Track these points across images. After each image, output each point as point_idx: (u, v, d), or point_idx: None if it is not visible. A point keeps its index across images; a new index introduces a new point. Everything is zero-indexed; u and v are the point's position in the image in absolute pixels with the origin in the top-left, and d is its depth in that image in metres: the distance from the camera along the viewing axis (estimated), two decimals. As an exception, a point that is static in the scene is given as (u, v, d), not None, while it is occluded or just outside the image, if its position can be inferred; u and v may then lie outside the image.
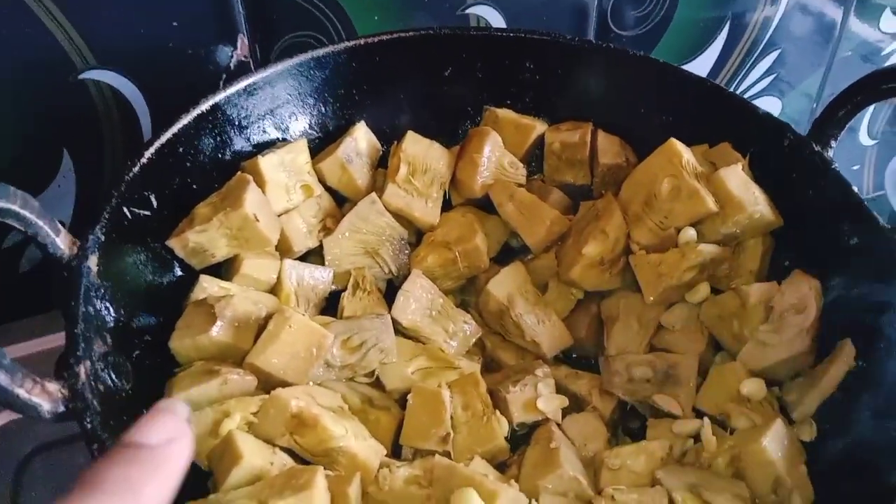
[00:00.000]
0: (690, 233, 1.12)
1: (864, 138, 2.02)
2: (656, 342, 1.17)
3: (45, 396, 0.78)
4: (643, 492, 0.92)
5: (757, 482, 0.92)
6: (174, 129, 1.07)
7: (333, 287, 1.17)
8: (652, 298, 1.13)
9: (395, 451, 1.03)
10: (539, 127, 1.30)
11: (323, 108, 1.26)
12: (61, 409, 0.79)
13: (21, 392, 0.76)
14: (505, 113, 1.31)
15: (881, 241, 1.03)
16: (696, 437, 1.03)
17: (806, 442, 0.99)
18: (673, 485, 0.92)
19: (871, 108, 1.96)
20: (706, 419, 1.02)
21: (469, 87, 1.32)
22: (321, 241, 1.18)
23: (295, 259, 1.15)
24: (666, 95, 1.27)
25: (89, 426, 0.78)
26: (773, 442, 0.92)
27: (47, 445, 1.16)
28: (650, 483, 0.96)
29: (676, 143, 1.14)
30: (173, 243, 1.07)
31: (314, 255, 1.20)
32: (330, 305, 1.17)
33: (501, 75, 1.31)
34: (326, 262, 1.17)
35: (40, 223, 0.87)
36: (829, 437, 0.99)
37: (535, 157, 1.34)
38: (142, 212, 1.03)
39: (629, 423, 1.14)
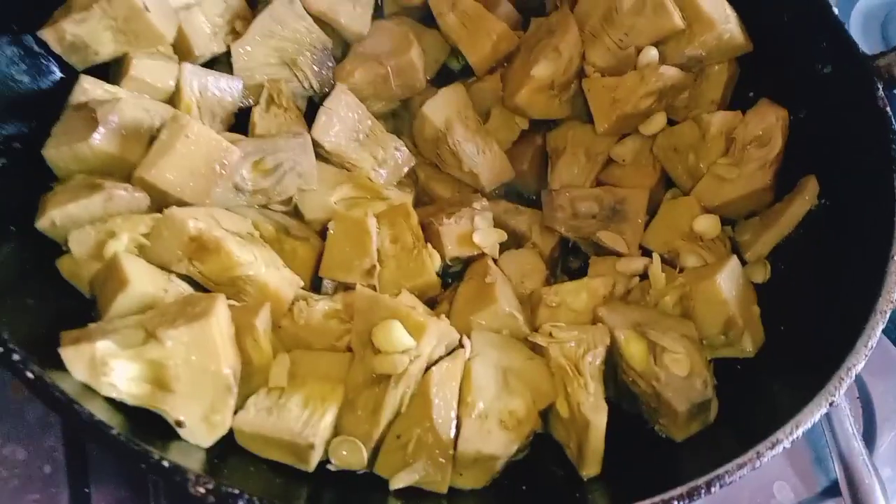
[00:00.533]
0: (652, 53, 1.00)
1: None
2: (604, 177, 1.07)
3: None
4: (584, 329, 0.85)
5: (707, 322, 0.86)
6: None
7: (244, 102, 1.02)
8: (604, 127, 1.03)
9: (315, 286, 0.93)
10: (487, -78, 1.12)
11: None
12: None
13: None
14: None
15: (858, 70, 0.93)
16: (642, 276, 0.96)
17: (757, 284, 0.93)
18: (616, 322, 0.85)
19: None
20: (656, 255, 0.95)
21: None
22: (229, 47, 1.01)
23: (197, 65, 0.98)
24: None
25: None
26: (728, 280, 0.85)
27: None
28: (591, 321, 0.89)
29: (644, -51, 0.99)
30: (47, 34, 0.89)
31: (221, 64, 1.03)
32: (240, 124, 1.02)
33: None
34: (235, 71, 1.01)
35: None
36: (783, 279, 0.93)
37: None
38: (4, -8, 0.85)
39: (570, 263, 1.06)
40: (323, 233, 0.96)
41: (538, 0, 1.14)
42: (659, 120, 1.04)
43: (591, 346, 0.83)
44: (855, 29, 1.60)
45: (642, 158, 1.06)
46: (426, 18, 1.11)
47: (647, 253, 0.98)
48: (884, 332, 0.77)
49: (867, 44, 1.57)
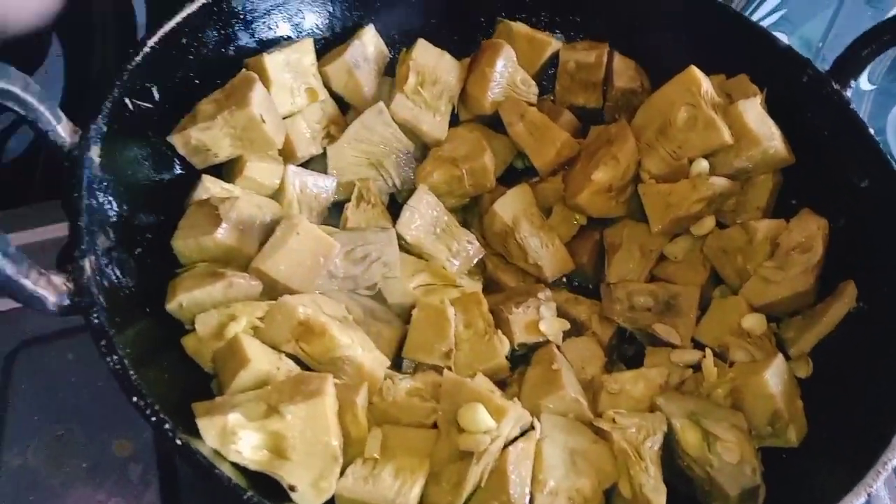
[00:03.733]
0: (703, 164, 1.11)
1: (864, 83, 2.01)
2: (656, 272, 1.17)
3: (50, 289, 0.75)
4: (644, 416, 0.93)
5: (755, 414, 0.94)
6: (178, 18, 1.02)
7: (336, 197, 1.14)
8: (658, 228, 1.13)
9: (395, 364, 1.03)
10: (554, 44, 1.26)
11: (331, 7, 1.20)
12: (66, 302, 0.77)
13: (27, 283, 0.73)
14: (519, 27, 1.26)
15: (893, 184, 1.02)
16: (694, 367, 1.04)
17: (800, 378, 1.01)
18: (672, 411, 0.93)
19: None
20: (708, 351, 1.03)
21: (484, -3, 1.27)
22: (325, 149, 1.14)
23: (298, 165, 1.12)
24: (686, 20, 1.23)
25: (96, 321, 0.76)
26: (775, 376, 0.93)
27: (35, 340, 1.13)
28: (648, 408, 0.97)
29: (696, 71, 1.11)
30: (175, 140, 1.02)
31: (316, 163, 1.16)
32: (331, 216, 1.14)
33: (518, -14, 1.26)
34: (330, 171, 1.14)
35: (42, 108, 0.82)
36: (824, 375, 1.01)
37: (546, 77, 1.30)
38: (143, 104, 0.98)
39: (625, 350, 1.15)
40: (402, 315, 1.06)
41: (596, 111, 1.27)
42: (709, 223, 1.13)
43: (650, 432, 0.91)
44: (891, 133, 1.70)
45: (693, 257, 1.15)
46: (496, 124, 1.24)
47: (698, 345, 1.07)
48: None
49: (901, 147, 1.68)
